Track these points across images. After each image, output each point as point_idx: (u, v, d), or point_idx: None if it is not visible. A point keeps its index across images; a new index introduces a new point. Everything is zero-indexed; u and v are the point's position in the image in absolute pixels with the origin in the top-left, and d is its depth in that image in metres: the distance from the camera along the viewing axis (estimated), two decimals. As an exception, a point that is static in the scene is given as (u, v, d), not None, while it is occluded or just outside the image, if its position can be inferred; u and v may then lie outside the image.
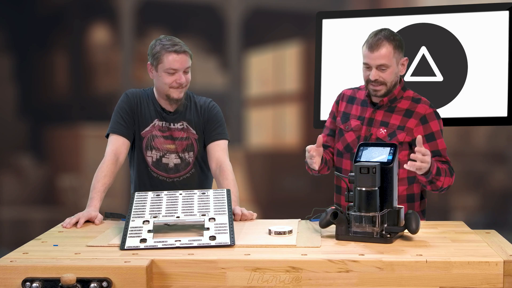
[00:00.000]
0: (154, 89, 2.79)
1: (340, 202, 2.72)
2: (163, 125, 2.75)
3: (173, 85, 2.66)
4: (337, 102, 2.83)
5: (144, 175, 2.78)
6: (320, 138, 2.52)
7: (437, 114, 2.65)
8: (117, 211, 2.53)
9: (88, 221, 2.41)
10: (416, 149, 2.31)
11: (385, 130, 2.64)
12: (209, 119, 2.79)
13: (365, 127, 2.68)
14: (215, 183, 2.82)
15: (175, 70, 2.64)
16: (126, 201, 2.32)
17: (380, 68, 2.58)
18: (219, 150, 2.75)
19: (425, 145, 2.55)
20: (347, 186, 2.18)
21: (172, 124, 2.76)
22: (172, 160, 2.75)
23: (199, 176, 2.81)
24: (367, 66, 2.61)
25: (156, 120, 2.75)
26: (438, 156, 2.59)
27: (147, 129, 2.75)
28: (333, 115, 2.83)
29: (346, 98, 2.80)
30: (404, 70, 2.67)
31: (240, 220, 2.43)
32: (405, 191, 2.66)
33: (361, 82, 2.73)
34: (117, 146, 2.68)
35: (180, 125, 2.76)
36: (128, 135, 2.71)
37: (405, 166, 2.32)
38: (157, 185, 2.74)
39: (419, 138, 2.30)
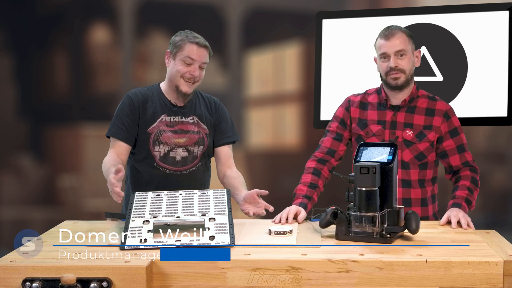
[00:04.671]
0: (162, 83, 2.79)
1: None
2: (171, 119, 2.75)
3: (185, 75, 2.67)
4: (347, 109, 2.72)
5: (148, 170, 2.75)
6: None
7: (454, 110, 2.68)
8: (117, 211, 2.53)
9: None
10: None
11: (412, 132, 2.62)
12: (220, 120, 2.82)
13: (388, 130, 2.64)
14: (213, 181, 2.84)
15: (193, 60, 2.65)
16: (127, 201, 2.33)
17: (398, 54, 2.58)
18: (227, 156, 2.82)
19: (449, 141, 2.60)
20: (347, 186, 2.18)
21: (183, 117, 2.75)
22: (179, 153, 2.75)
23: (203, 170, 2.82)
24: (385, 56, 2.60)
25: (163, 115, 2.75)
26: (463, 151, 2.60)
27: (154, 125, 2.74)
28: (340, 120, 2.73)
29: (356, 104, 2.72)
30: (419, 62, 2.69)
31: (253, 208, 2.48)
32: (429, 192, 2.67)
33: (362, 83, 2.72)
34: (118, 152, 2.68)
35: (190, 119, 2.77)
36: (128, 140, 2.71)
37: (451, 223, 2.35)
38: (163, 178, 2.73)
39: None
